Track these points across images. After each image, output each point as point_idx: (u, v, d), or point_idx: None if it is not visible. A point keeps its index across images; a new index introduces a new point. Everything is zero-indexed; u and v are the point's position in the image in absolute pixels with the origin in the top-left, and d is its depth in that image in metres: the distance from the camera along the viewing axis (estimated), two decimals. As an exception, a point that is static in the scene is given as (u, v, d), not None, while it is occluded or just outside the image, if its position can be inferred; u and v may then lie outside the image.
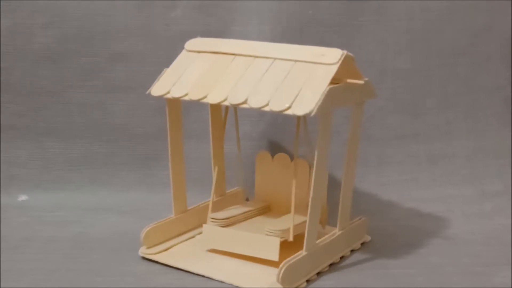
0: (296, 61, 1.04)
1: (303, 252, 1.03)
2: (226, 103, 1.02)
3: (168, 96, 1.08)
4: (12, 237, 1.19)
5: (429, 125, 1.43)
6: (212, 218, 1.14)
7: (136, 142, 1.39)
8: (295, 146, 1.12)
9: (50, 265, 1.08)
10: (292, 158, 1.19)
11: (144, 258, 1.11)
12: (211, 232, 1.12)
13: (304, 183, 1.18)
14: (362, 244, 1.19)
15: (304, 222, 1.04)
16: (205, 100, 1.04)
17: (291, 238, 1.08)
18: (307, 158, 1.18)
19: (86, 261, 1.10)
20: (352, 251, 1.16)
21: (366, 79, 1.09)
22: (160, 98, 1.09)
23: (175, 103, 1.13)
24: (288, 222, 1.09)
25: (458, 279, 1.06)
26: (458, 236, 1.23)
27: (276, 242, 1.06)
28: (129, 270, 1.07)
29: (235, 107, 1.11)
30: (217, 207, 1.21)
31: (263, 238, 1.07)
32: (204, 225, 1.13)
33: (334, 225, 1.14)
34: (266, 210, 1.25)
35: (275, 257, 1.05)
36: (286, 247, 1.06)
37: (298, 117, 1.07)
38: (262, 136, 1.38)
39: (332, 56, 1.02)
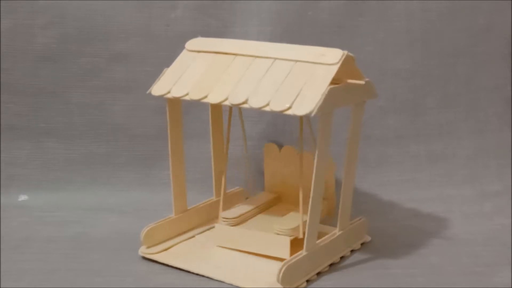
0: (296, 61, 1.04)
1: (303, 252, 1.03)
2: (226, 103, 1.02)
3: (169, 96, 1.08)
4: (12, 237, 1.19)
5: (429, 125, 1.43)
6: (224, 218, 1.15)
7: (136, 142, 1.39)
8: (300, 146, 1.12)
9: (50, 265, 1.08)
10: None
11: (144, 258, 1.11)
12: (223, 232, 1.13)
13: (312, 174, 1.19)
14: (362, 244, 1.19)
15: None
16: (205, 100, 1.04)
17: (301, 235, 1.09)
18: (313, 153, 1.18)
19: (86, 261, 1.10)
20: (352, 251, 1.16)
21: (367, 79, 1.09)
22: (161, 98, 1.09)
23: (176, 103, 1.13)
24: (296, 220, 1.11)
25: (458, 279, 1.06)
26: (458, 236, 1.23)
27: (286, 241, 1.07)
28: (129, 270, 1.07)
29: (240, 108, 1.11)
30: (217, 206, 1.21)
31: (273, 237, 1.09)
32: (216, 224, 1.15)
33: (334, 225, 1.14)
34: (277, 201, 1.26)
35: (286, 255, 1.06)
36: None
37: (301, 117, 1.07)
38: (262, 136, 1.38)
39: (333, 56, 1.02)
